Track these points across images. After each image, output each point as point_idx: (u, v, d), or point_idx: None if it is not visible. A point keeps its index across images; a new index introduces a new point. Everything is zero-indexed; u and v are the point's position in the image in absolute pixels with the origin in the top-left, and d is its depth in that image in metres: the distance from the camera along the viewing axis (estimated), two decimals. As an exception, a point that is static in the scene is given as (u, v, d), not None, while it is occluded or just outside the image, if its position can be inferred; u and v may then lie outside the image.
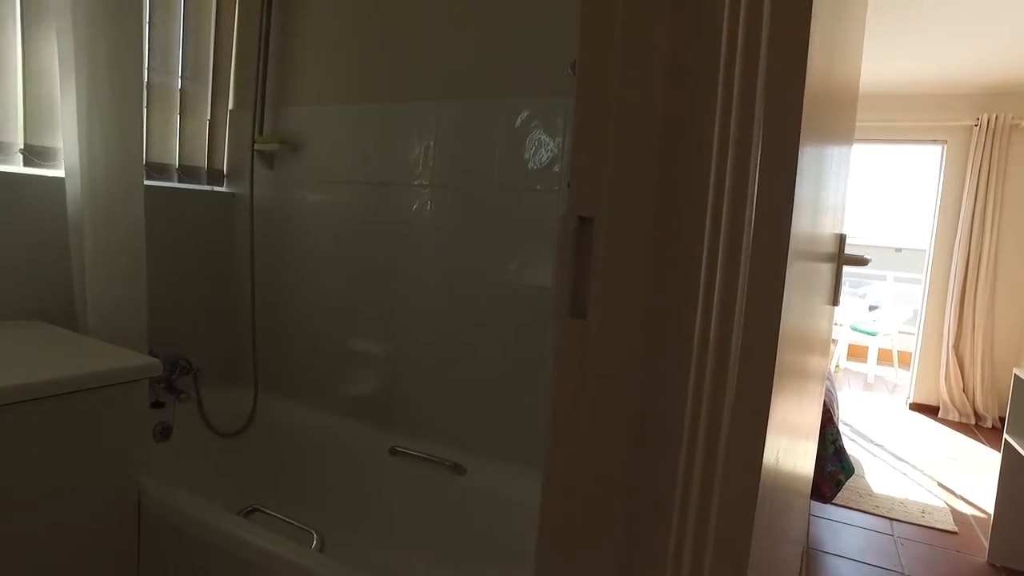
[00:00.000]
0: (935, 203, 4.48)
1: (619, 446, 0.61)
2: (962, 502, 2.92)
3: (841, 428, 3.10)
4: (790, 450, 0.94)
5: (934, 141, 4.44)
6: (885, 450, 3.59)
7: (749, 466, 0.63)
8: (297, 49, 2.04)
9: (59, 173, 1.65)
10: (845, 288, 6.99)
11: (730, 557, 0.65)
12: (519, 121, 1.61)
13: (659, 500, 0.61)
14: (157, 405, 1.84)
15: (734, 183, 0.53)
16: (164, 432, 1.87)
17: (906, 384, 4.79)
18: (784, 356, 0.68)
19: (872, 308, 5.81)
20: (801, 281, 0.74)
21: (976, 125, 4.19)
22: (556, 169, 1.56)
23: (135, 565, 1.36)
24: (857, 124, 4.44)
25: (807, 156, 0.65)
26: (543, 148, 1.58)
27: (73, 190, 1.61)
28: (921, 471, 3.28)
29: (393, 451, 1.76)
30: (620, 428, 0.61)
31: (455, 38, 1.73)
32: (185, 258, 2.05)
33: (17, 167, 1.59)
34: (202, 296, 2.12)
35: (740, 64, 0.56)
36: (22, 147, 1.60)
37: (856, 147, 5.08)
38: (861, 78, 4.05)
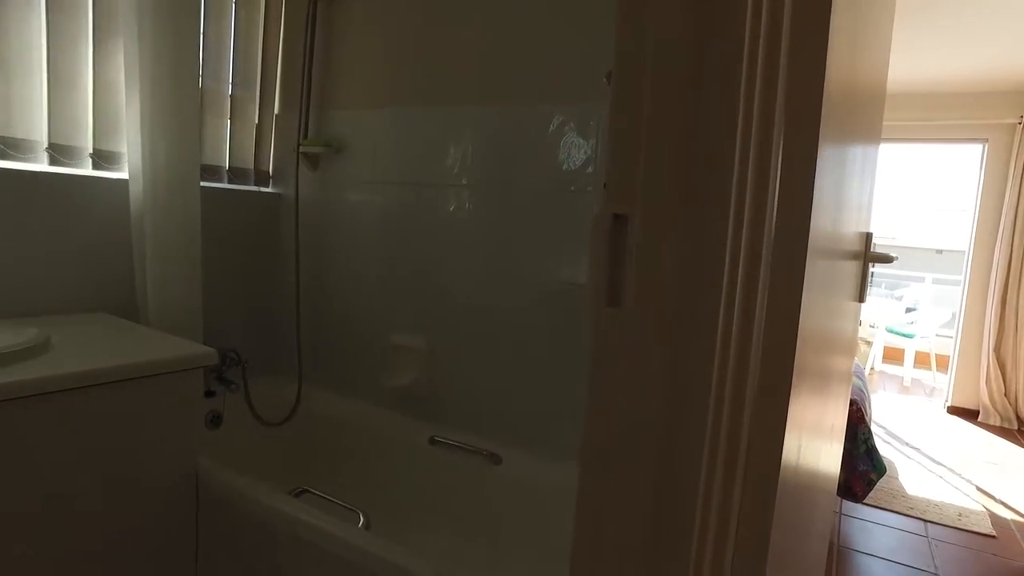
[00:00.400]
0: (975, 203, 4.40)
1: (650, 429, 0.66)
2: (1001, 507, 2.88)
3: (875, 430, 3.08)
4: (812, 446, 0.97)
5: (975, 140, 4.36)
6: (921, 453, 3.55)
7: (769, 457, 0.67)
8: (340, 56, 2.14)
9: (123, 175, 1.77)
10: (880, 290, 6.88)
11: (750, 547, 0.68)
12: (554, 125, 1.67)
13: (684, 488, 0.65)
14: (208, 394, 1.94)
15: (755, 183, 0.58)
16: (215, 420, 1.98)
17: (944, 387, 4.71)
18: (804, 348, 0.72)
19: (909, 310, 5.71)
20: (822, 277, 0.78)
21: (1019, 123, 4.10)
22: (589, 170, 1.62)
23: (194, 539, 1.46)
24: (895, 123, 4.38)
25: (827, 156, 0.69)
26: (577, 150, 1.64)
27: (136, 191, 1.72)
28: (958, 475, 3.24)
29: (432, 441, 1.83)
30: (651, 412, 0.66)
31: (493, 45, 1.79)
32: (234, 255, 2.16)
33: (87, 170, 1.71)
34: (249, 292, 2.23)
35: (761, 70, 0.61)
36: (91, 151, 1.72)
37: (895, 147, 5.00)
38: (898, 76, 4.00)
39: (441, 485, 1.83)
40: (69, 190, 1.66)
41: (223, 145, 2.12)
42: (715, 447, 0.66)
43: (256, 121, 2.22)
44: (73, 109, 1.67)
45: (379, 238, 2.05)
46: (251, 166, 2.23)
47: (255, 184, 2.25)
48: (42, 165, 1.62)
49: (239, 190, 2.18)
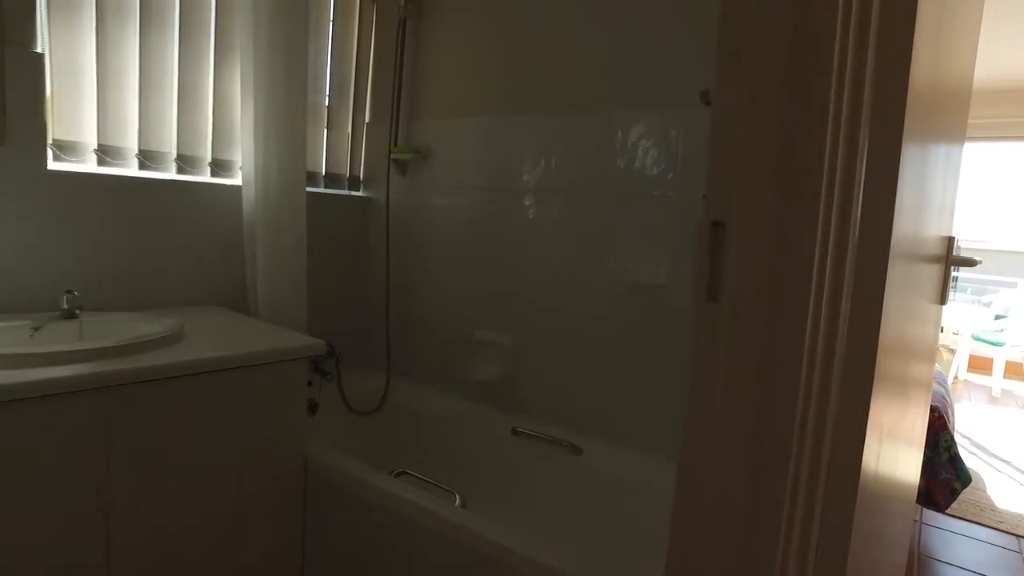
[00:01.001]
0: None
1: (743, 429, 0.71)
2: (1101, 525, 2.72)
3: (959, 440, 2.98)
4: (891, 451, 0.97)
5: (1076, 137, 4.11)
6: (1012, 466, 3.39)
7: (850, 461, 0.70)
8: (428, 68, 2.27)
9: (237, 182, 1.95)
10: (965, 295, 6.53)
11: (832, 551, 0.73)
12: (635, 132, 1.73)
13: (772, 491, 0.69)
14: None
15: (842, 188, 0.64)
16: (311, 407, 2.13)
17: (1039, 399, 4.45)
18: (885, 351, 0.75)
19: (999, 317, 5.42)
20: (904, 281, 0.82)
21: None
22: (670, 176, 1.68)
23: (301, 514, 1.61)
24: (987, 121, 4.19)
25: (909, 161, 0.73)
26: (658, 157, 1.70)
27: (248, 196, 1.90)
28: (1054, 490, 3.08)
29: (515, 431, 1.93)
30: (744, 411, 0.70)
31: (575, 55, 1.87)
32: (329, 255, 2.33)
33: (206, 177, 1.91)
34: (342, 289, 2.40)
35: (850, 72, 0.66)
36: (210, 161, 1.91)
37: (988, 146, 4.77)
38: (990, 72, 3.83)
39: (524, 473, 1.92)
40: (191, 196, 1.85)
41: (320, 152, 2.29)
42: (801, 449, 0.70)
43: (349, 130, 2.38)
44: (196, 123, 1.86)
45: (465, 240, 2.17)
46: (345, 171, 2.39)
47: (348, 188, 2.41)
48: (171, 174, 1.82)
49: (334, 194, 2.35)
